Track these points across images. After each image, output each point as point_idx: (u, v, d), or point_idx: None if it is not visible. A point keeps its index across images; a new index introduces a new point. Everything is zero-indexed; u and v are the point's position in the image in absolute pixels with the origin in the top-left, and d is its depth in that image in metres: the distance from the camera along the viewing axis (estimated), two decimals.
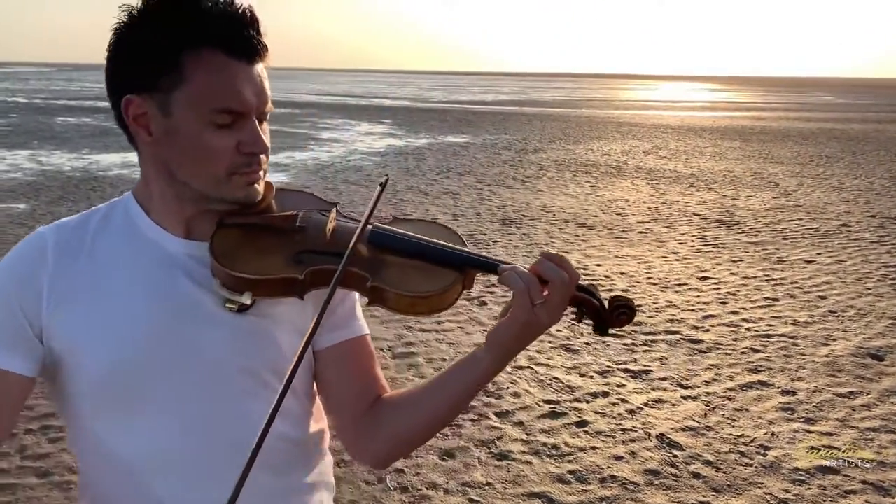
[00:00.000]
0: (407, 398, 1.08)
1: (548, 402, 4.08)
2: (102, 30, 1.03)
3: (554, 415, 3.93)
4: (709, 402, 4.12)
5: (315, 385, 1.13)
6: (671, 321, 5.43)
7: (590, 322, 0.99)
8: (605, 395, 4.19)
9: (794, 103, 47.59)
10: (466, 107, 36.38)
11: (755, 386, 4.32)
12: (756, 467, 3.44)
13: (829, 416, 3.96)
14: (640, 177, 12.88)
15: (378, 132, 21.47)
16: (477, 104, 39.52)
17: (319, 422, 1.14)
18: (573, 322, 0.92)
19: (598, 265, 6.92)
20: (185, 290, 0.99)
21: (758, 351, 4.87)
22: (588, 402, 4.10)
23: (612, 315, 0.98)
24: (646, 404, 4.08)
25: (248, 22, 0.94)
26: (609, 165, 14.32)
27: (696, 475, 3.37)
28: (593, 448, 3.60)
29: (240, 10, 0.94)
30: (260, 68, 0.96)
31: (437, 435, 3.58)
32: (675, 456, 3.53)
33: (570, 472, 3.38)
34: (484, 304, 5.68)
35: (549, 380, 4.37)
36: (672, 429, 3.79)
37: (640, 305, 5.76)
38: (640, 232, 8.46)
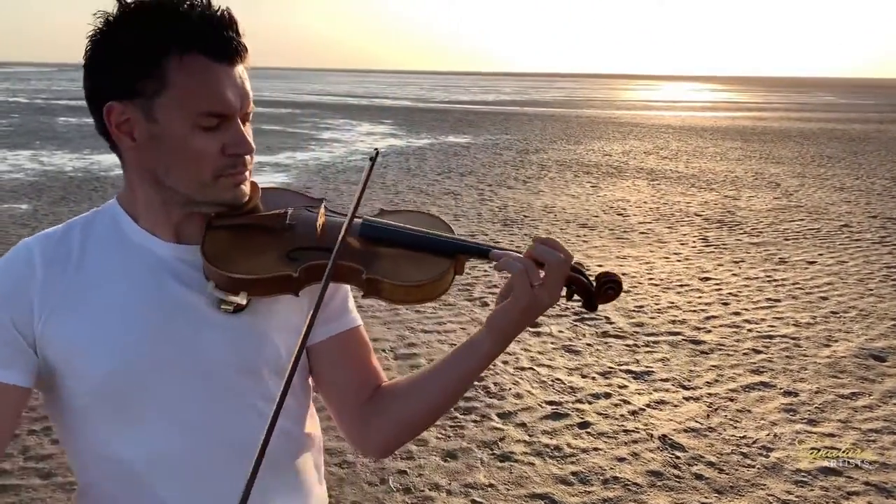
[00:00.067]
0: (408, 385, 1.10)
1: (550, 403, 4.08)
2: None
3: (556, 416, 3.94)
4: (711, 403, 4.12)
5: (312, 380, 1.14)
6: (673, 322, 5.43)
7: (579, 299, 1.03)
8: (608, 396, 4.19)
9: (796, 103, 47.56)
10: (467, 107, 36.38)
11: (757, 387, 4.32)
12: (758, 468, 3.44)
13: (831, 417, 3.96)
14: (641, 177, 12.87)
15: (379, 132, 21.49)
16: (478, 104, 39.52)
17: (314, 416, 1.15)
18: (563, 299, 0.96)
19: (600, 266, 6.92)
20: (178, 294, 0.99)
21: (760, 352, 4.87)
22: (590, 403, 4.10)
23: (600, 290, 1.01)
24: (648, 405, 4.08)
25: (228, 24, 0.94)
26: (610, 166, 14.32)
27: (698, 476, 3.37)
28: (595, 449, 3.60)
29: (218, 13, 0.93)
30: (241, 69, 0.96)
31: (440, 436, 3.61)
32: (678, 457, 3.53)
33: (573, 474, 3.38)
34: (486, 304, 5.68)
35: (552, 381, 4.37)
36: (674, 430, 3.80)
37: (641, 307, 5.77)
38: (642, 232, 8.46)
